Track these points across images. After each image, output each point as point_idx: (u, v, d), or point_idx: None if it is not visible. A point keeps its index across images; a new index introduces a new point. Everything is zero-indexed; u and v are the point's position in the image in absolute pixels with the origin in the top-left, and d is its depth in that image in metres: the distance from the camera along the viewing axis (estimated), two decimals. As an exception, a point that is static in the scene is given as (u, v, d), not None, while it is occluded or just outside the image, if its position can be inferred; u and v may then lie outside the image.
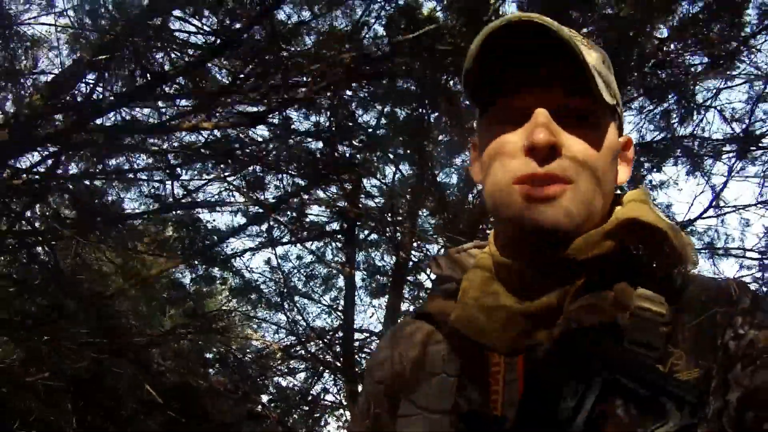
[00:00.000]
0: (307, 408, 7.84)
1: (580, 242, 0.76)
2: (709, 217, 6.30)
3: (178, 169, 5.34)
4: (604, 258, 0.76)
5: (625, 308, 0.74)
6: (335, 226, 7.05)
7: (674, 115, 5.50)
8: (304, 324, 7.58)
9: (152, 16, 4.21)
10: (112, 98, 4.32)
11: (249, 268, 6.70)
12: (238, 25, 4.45)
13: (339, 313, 7.71)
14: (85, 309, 4.95)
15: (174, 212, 5.47)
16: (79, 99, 4.33)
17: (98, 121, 4.52)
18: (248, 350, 7.94)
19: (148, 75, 4.15)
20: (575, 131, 0.76)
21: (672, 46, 4.72)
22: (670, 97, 5.23)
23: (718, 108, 5.72)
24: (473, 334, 0.77)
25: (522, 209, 0.75)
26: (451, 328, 0.79)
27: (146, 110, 5.14)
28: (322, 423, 8.09)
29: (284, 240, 6.74)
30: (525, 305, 0.76)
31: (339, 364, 7.28)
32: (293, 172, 5.66)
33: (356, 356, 7.24)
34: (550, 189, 0.74)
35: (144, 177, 5.60)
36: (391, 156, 5.87)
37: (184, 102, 5.20)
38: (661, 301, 0.74)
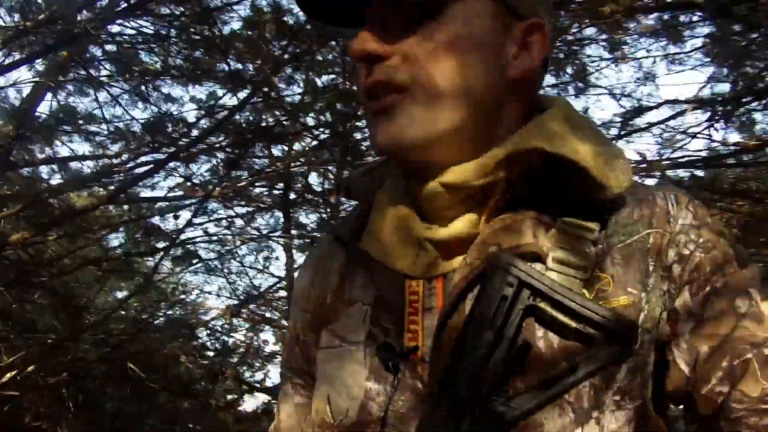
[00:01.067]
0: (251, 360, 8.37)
1: (463, 170, 0.67)
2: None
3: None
4: (509, 183, 0.68)
5: (547, 226, 0.67)
6: (268, 192, 7.41)
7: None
8: (246, 286, 8.09)
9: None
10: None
11: (190, 240, 7.04)
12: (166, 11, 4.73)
13: (273, 275, 8.29)
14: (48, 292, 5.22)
15: (119, 195, 5.71)
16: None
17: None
18: (198, 314, 8.37)
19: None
20: (416, 28, 0.67)
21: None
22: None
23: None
24: (385, 259, 0.71)
25: (371, 128, 0.70)
26: (365, 253, 0.73)
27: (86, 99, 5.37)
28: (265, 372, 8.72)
29: (220, 211, 7.06)
30: (435, 232, 0.69)
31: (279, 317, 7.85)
32: (224, 143, 5.94)
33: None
34: (385, 101, 0.67)
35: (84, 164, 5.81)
36: (315, 120, 6.22)
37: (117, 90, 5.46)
38: (590, 218, 0.67)
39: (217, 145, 5.87)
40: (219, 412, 7.42)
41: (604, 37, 5.32)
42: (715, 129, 5.31)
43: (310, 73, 5.80)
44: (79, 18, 4.31)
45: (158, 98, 5.55)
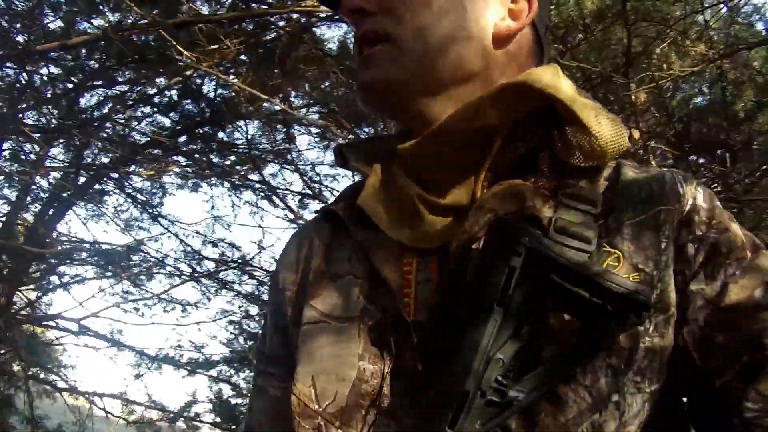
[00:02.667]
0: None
1: (452, 115, 0.66)
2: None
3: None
4: (519, 136, 0.66)
5: (547, 194, 0.64)
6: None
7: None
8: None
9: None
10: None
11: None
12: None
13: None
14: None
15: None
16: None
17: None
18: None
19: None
20: None
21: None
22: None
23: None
24: (383, 225, 0.67)
25: (358, 80, 0.71)
26: (358, 224, 0.69)
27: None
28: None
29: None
30: (433, 198, 0.66)
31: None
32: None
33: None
34: (370, 50, 0.68)
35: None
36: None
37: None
38: (593, 188, 0.64)
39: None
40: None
41: None
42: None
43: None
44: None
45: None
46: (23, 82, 5.10)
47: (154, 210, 6.47)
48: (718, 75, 3.84)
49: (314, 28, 5.00)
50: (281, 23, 4.73)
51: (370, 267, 0.66)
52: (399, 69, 0.67)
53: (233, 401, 6.69)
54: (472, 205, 0.64)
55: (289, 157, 6.02)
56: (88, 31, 4.81)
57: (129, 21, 4.62)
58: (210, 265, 6.51)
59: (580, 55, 3.69)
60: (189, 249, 6.38)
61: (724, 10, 3.72)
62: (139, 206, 6.49)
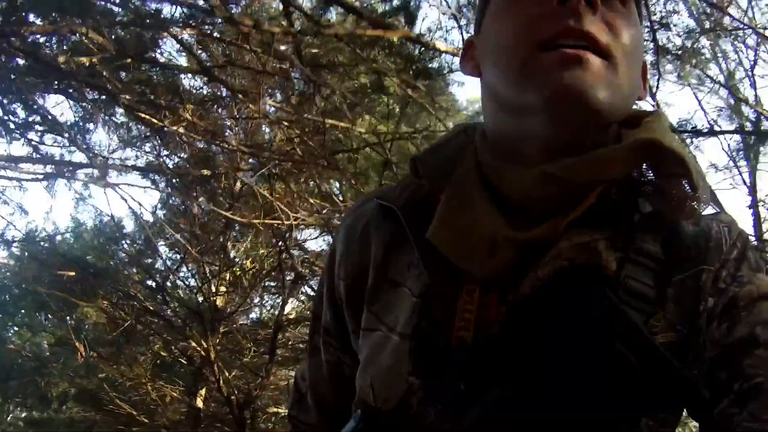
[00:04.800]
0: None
1: (588, 160, 0.64)
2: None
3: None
4: (615, 184, 0.66)
5: (619, 250, 0.64)
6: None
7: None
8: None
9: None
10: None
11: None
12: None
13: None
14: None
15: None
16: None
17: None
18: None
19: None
20: (613, 6, 0.66)
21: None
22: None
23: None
24: (453, 257, 0.66)
25: (548, 74, 0.63)
26: (424, 240, 0.68)
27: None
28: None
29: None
30: (514, 233, 0.64)
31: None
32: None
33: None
34: (585, 53, 0.63)
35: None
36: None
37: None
38: (659, 247, 0.65)
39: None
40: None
41: None
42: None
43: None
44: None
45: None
46: None
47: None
48: None
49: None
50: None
51: (428, 288, 0.67)
52: (609, 92, 0.64)
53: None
54: (548, 246, 0.64)
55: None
56: None
57: None
58: None
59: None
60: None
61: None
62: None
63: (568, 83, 0.62)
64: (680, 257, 0.66)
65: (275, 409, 7.46)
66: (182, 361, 7.77)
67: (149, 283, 7.84)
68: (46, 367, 9.02)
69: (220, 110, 5.50)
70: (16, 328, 10.44)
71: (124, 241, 8.39)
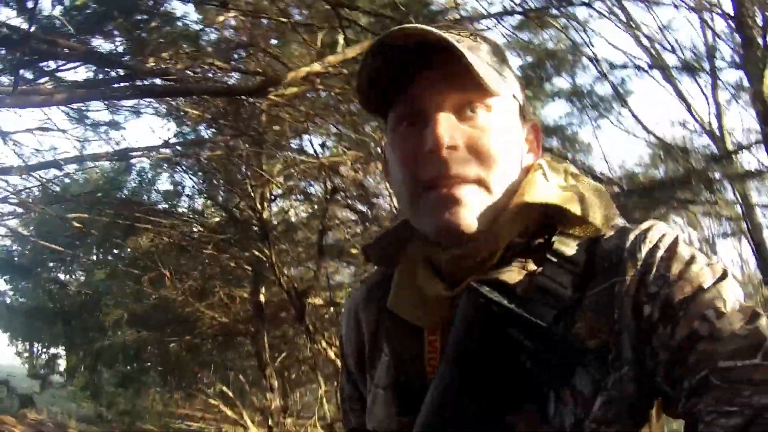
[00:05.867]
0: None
1: (486, 237, 0.77)
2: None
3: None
4: (512, 243, 0.79)
5: (531, 272, 0.76)
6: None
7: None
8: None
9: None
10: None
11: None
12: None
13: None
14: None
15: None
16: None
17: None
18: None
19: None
20: (475, 123, 0.77)
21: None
22: None
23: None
24: (408, 317, 0.82)
25: (431, 213, 0.77)
26: (385, 310, 0.85)
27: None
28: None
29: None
30: (446, 293, 0.78)
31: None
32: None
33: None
34: (458, 190, 0.76)
35: None
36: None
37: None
38: (582, 255, 0.76)
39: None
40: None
41: None
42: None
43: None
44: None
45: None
46: None
47: None
48: None
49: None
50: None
51: (400, 345, 0.84)
52: (488, 217, 0.76)
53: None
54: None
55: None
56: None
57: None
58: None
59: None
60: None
61: None
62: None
63: (448, 220, 0.75)
64: (595, 271, 0.75)
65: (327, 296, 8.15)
66: (246, 267, 8.64)
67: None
68: (101, 300, 10.23)
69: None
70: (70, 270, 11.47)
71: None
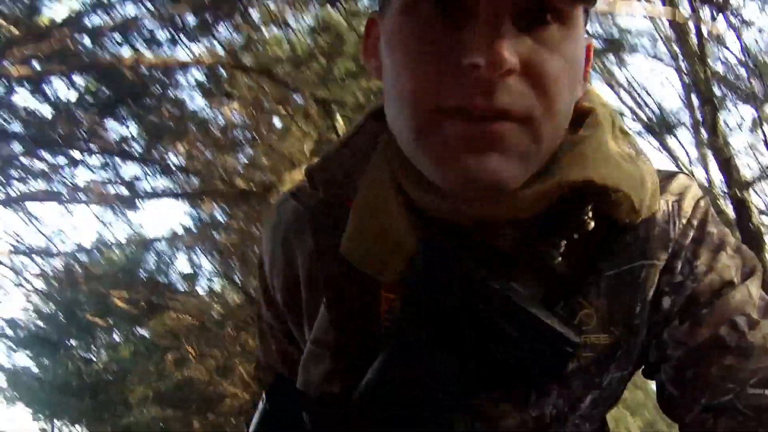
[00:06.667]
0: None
1: (508, 207, 0.57)
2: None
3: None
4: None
5: (545, 231, 0.59)
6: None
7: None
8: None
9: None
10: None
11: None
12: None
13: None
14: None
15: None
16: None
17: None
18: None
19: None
20: (543, 39, 0.53)
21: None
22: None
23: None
24: (365, 268, 0.62)
25: (449, 157, 0.53)
26: (336, 253, 0.63)
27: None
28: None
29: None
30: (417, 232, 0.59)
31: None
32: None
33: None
34: (494, 127, 0.52)
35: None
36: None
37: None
38: (583, 232, 0.59)
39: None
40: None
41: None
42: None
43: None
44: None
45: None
46: None
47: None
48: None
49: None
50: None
51: (343, 302, 0.64)
52: (524, 164, 0.54)
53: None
54: None
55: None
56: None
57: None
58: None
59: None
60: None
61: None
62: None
63: (472, 173, 0.53)
64: (617, 249, 0.60)
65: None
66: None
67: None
68: (126, 377, 10.36)
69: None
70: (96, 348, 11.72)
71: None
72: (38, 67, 4.97)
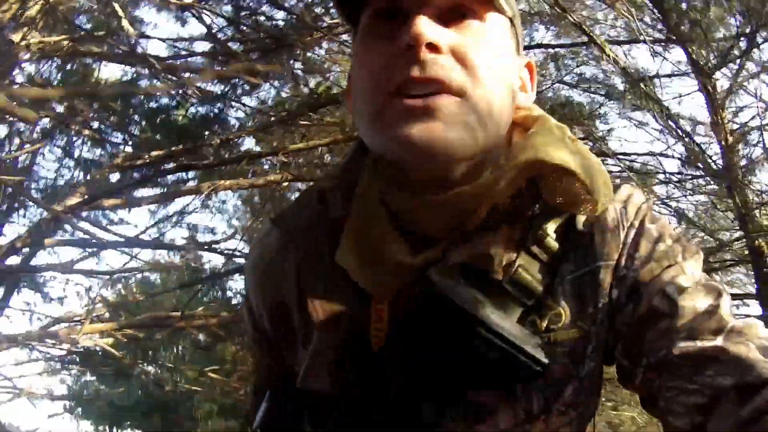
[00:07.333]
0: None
1: (473, 189, 0.66)
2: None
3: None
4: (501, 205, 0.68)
5: (516, 244, 0.67)
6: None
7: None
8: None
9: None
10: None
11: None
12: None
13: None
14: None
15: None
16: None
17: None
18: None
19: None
20: (465, 30, 0.66)
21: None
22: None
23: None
24: (363, 283, 0.69)
25: (395, 126, 0.63)
26: (330, 265, 0.71)
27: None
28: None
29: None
30: (411, 259, 0.68)
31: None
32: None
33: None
34: (433, 100, 0.63)
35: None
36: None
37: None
38: (556, 239, 0.68)
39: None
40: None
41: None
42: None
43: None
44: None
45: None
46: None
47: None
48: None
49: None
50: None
51: (335, 310, 0.71)
52: (467, 133, 0.64)
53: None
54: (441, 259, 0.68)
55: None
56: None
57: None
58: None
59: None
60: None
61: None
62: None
63: (414, 136, 0.62)
64: (575, 252, 0.69)
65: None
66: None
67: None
68: (193, 396, 11.46)
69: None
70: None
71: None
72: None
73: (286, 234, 0.78)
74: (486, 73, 0.66)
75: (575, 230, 0.70)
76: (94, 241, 5.87)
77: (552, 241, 0.68)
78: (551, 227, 0.69)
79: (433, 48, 0.64)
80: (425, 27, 0.63)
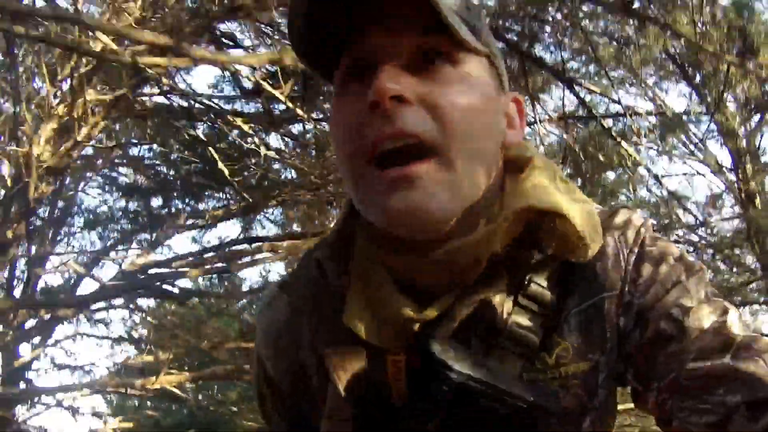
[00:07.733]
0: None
1: (466, 245, 0.66)
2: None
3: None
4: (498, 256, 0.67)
5: (513, 294, 0.68)
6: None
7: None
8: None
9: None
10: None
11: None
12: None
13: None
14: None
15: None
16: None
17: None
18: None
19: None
20: (435, 76, 0.64)
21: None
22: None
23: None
24: (368, 338, 0.69)
25: (379, 200, 0.64)
26: (341, 325, 0.70)
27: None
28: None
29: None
30: (417, 315, 0.67)
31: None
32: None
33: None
34: (410, 170, 0.62)
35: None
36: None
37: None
38: (550, 286, 0.69)
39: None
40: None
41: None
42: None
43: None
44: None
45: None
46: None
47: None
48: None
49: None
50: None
51: (350, 370, 0.70)
52: (450, 193, 0.63)
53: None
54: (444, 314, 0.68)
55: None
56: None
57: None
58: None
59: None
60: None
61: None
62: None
63: (399, 207, 0.62)
64: (577, 289, 0.69)
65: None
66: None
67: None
68: (234, 415, 12.39)
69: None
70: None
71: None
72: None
73: (296, 300, 0.79)
74: (461, 118, 0.64)
75: (575, 269, 0.70)
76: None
77: (543, 291, 0.69)
78: (542, 278, 0.69)
79: (400, 100, 0.63)
80: (388, 81, 0.62)
